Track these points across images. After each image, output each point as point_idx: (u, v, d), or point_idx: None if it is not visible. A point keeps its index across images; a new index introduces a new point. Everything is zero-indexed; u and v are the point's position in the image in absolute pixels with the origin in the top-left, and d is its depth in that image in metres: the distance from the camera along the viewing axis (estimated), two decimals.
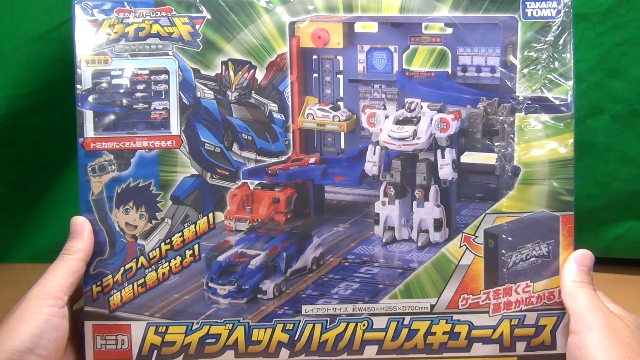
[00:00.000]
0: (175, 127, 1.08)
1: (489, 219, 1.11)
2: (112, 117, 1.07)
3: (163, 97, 1.08)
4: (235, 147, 1.10)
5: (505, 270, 1.10)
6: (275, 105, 1.11)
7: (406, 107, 1.13)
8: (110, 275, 1.08)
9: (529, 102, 1.11)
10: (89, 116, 1.06)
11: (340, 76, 1.20)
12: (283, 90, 1.11)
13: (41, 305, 0.99)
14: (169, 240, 1.09)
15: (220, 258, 1.11)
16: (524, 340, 1.10)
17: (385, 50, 1.17)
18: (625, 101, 1.21)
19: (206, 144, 1.09)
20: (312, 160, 1.14)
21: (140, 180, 1.08)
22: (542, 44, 1.13)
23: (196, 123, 1.08)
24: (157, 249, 1.09)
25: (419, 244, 1.15)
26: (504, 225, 1.11)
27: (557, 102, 1.11)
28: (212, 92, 1.09)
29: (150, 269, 1.09)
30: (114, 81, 1.07)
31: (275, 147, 1.11)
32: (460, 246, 1.11)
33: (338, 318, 1.10)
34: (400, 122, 1.12)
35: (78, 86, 1.08)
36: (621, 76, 1.29)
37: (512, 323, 1.11)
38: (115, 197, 1.07)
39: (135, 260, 1.09)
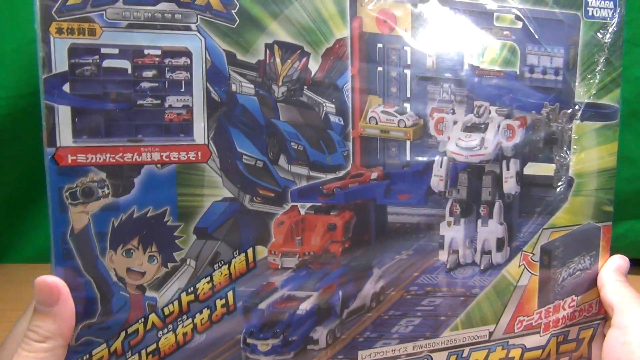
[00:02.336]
0: (200, 132, 0.30)
1: (545, 235, 0.44)
2: (104, 116, 0.28)
3: (183, 89, 0.30)
4: (282, 160, 0.32)
5: (556, 287, 0.45)
6: (333, 105, 0.33)
7: (475, 112, 0.41)
8: (104, 345, 0.32)
9: (587, 108, 0.44)
10: (64, 115, 0.28)
11: (408, 72, 0.41)
12: (342, 86, 0.33)
13: None
14: (192, 288, 0.30)
15: (262, 305, 0.37)
16: (567, 355, 0.47)
17: (455, 44, 0.40)
18: (625, 101, 0.51)
19: (244, 157, 0.32)
20: (374, 175, 0.39)
21: (150, 208, 0.30)
22: (599, 46, 0.44)
23: (231, 128, 0.31)
24: (176, 302, 0.30)
25: (482, 267, 0.43)
26: (557, 240, 0.45)
27: (608, 109, 0.44)
28: (252, 86, 0.31)
29: (165, 330, 0.29)
30: (106, 63, 0.28)
31: (331, 159, 0.33)
32: (519, 266, 0.44)
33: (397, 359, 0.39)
34: (468, 129, 0.41)
35: (44, 69, 0.27)
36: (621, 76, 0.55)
37: (559, 340, 0.46)
38: (110, 234, 0.29)
39: (143, 320, 0.30)
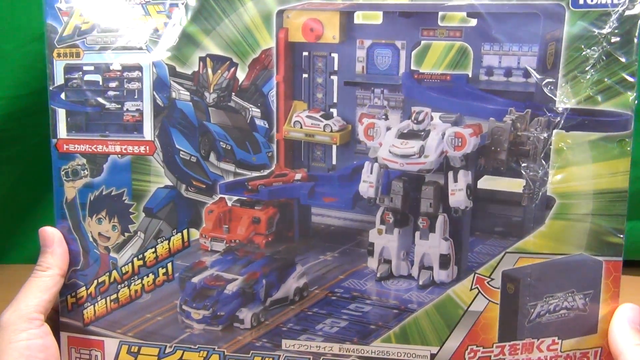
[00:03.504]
0: (148, 131, 0.39)
1: (510, 259, 0.38)
2: (85, 117, 0.39)
3: (136, 97, 0.40)
4: (212, 157, 0.39)
5: (526, 322, 0.38)
6: (258, 110, 0.37)
7: (413, 118, 0.37)
8: (84, 287, 0.46)
9: (573, 115, 0.33)
10: (61, 115, 0.41)
11: (335, 77, 0.42)
12: (267, 92, 0.37)
13: (16, 331, 0.40)
14: (141, 255, 0.40)
15: (195, 280, 0.43)
16: None
17: (390, 46, 0.39)
18: None
19: (181, 152, 0.39)
20: (298, 176, 0.41)
21: (113, 188, 0.41)
22: (595, 39, 0.34)
23: (171, 128, 0.39)
24: (130, 264, 0.43)
25: (420, 283, 0.40)
26: (529, 268, 0.38)
27: (611, 117, 0.34)
28: (188, 93, 0.38)
29: (123, 285, 0.43)
30: (87, 77, 0.40)
31: (256, 159, 0.38)
32: (472, 289, 0.39)
33: (322, 357, 0.41)
34: (404, 135, 0.37)
35: (50, 82, 0.40)
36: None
37: None
38: (88, 205, 0.42)
39: (108, 274, 0.44)
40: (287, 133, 0.40)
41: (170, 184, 0.42)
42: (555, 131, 0.36)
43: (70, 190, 0.44)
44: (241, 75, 0.40)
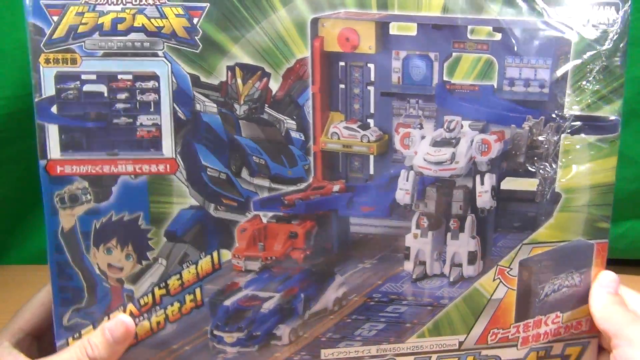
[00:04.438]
0: (168, 147, 0.34)
1: (525, 250, 0.42)
2: (85, 133, 0.32)
3: (152, 109, 0.34)
4: (244, 173, 0.35)
5: (537, 302, 0.44)
6: (293, 122, 0.35)
7: (445, 127, 0.40)
8: (91, 326, 0.38)
9: (577, 121, 0.40)
10: (53, 132, 0.33)
11: (371, 88, 0.42)
12: (303, 104, 0.35)
13: None
14: (164, 284, 0.34)
15: (228, 302, 0.41)
16: None
17: (424, 57, 0.40)
18: (626, 101, 0.44)
19: (209, 169, 0.35)
20: (336, 188, 0.40)
21: (125, 213, 0.35)
22: (595, 54, 0.40)
23: (196, 144, 0.34)
24: (150, 295, 0.36)
25: (451, 279, 0.43)
26: (540, 256, 0.43)
27: (605, 122, 0.41)
28: (215, 105, 0.34)
29: (142, 318, 0.34)
30: (86, 87, 0.34)
31: (292, 172, 0.35)
32: (494, 280, 0.43)
33: None
34: (437, 143, 0.40)
35: (36, 93, 0.32)
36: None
37: (539, 355, 0.45)
38: (93, 234, 0.35)
39: (122, 307, 0.34)
40: (325, 145, 0.39)
41: (197, 204, 0.38)
42: (563, 135, 0.41)
43: (68, 218, 0.37)
44: (274, 85, 0.37)
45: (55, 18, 0.35)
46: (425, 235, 0.41)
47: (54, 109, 0.36)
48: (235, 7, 0.36)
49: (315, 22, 0.37)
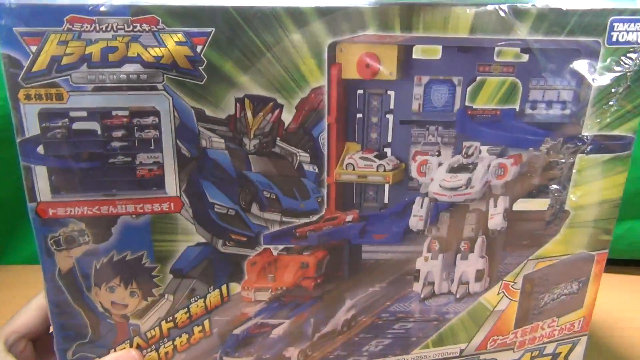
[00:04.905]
0: (172, 186, 0.31)
1: (530, 265, 0.43)
2: (78, 174, 0.28)
3: (153, 147, 0.30)
4: (254, 208, 0.33)
5: (536, 310, 0.45)
6: (307, 154, 0.32)
7: (463, 153, 0.38)
8: (97, 359, 0.32)
9: (594, 141, 0.39)
10: (41, 174, 0.29)
11: (390, 116, 0.38)
12: (317, 135, 0.32)
13: None
14: (171, 317, 0.32)
15: (237, 331, 0.40)
16: None
17: (447, 82, 0.37)
18: None
19: (216, 206, 0.32)
20: (349, 218, 0.39)
21: (128, 252, 0.31)
22: (620, 76, 0.37)
23: (202, 180, 0.31)
24: (157, 328, 0.33)
25: (458, 296, 0.43)
26: (543, 270, 0.43)
27: (620, 140, 0.39)
28: (222, 140, 0.30)
29: (150, 350, 0.33)
30: (76, 125, 0.29)
31: (304, 205, 0.34)
32: (498, 293, 0.43)
33: None
34: (454, 169, 0.38)
35: (18, 133, 0.28)
36: None
37: (533, 355, 0.47)
38: (93, 274, 0.32)
39: (128, 341, 0.33)
40: (339, 176, 0.37)
41: (204, 240, 0.36)
42: (579, 155, 0.40)
43: (65, 260, 0.34)
44: (287, 117, 0.34)
45: (34, 48, 0.30)
46: (436, 258, 0.41)
47: (40, 150, 0.32)
48: (244, 31, 0.31)
49: (333, 47, 0.33)
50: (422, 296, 0.42)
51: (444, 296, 0.43)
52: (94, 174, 0.33)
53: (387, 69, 0.35)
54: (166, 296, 0.37)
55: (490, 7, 0.35)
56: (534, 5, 0.35)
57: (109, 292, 0.36)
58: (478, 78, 0.37)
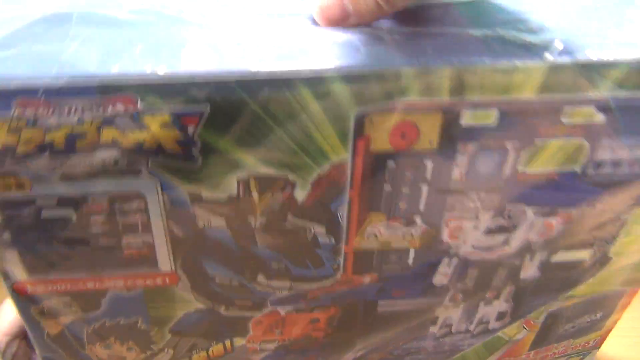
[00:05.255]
0: (166, 263, 0.26)
1: (558, 304, 0.39)
2: (56, 256, 0.24)
3: (140, 230, 0.25)
4: (261, 278, 0.28)
5: (554, 337, 0.42)
6: (323, 227, 0.26)
7: (505, 215, 0.31)
8: None
9: None
10: (12, 257, 0.24)
11: (425, 186, 0.29)
12: (335, 209, 0.25)
13: None
14: None
15: None
16: None
17: (498, 150, 0.26)
18: None
19: (217, 278, 0.27)
20: (366, 280, 0.32)
21: (121, 319, 0.28)
22: None
23: (200, 257, 0.26)
24: None
25: (475, 333, 0.40)
26: (570, 307, 0.39)
27: None
28: (223, 220, 0.25)
29: None
30: (46, 214, 0.23)
31: (318, 272, 0.28)
32: (518, 326, 0.40)
33: None
34: (491, 231, 0.32)
35: None
36: None
37: None
38: (86, 336, 0.28)
39: None
40: (359, 245, 0.31)
41: (204, 307, 0.32)
42: (636, 208, 0.34)
43: (53, 326, 0.31)
44: (301, 193, 0.28)
45: None
46: (457, 307, 0.37)
47: (7, 236, 0.27)
48: (248, 107, 0.24)
49: (362, 119, 0.26)
50: (437, 335, 0.39)
51: (460, 334, 0.40)
52: (74, 255, 0.28)
53: (427, 138, 0.28)
54: (165, 350, 0.35)
55: (567, 61, 0.26)
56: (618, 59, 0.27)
57: (105, 349, 0.34)
58: (537, 141, 0.29)
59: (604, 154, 0.31)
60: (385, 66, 0.25)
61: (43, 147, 0.24)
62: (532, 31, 0.27)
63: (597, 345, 0.46)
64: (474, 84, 0.26)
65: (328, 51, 0.25)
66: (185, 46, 0.24)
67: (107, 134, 0.24)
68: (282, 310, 0.34)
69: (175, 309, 0.32)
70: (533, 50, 0.26)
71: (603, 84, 0.27)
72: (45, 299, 0.30)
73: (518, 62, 0.26)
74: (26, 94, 0.22)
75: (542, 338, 0.43)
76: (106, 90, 0.23)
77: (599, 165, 0.32)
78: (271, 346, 0.36)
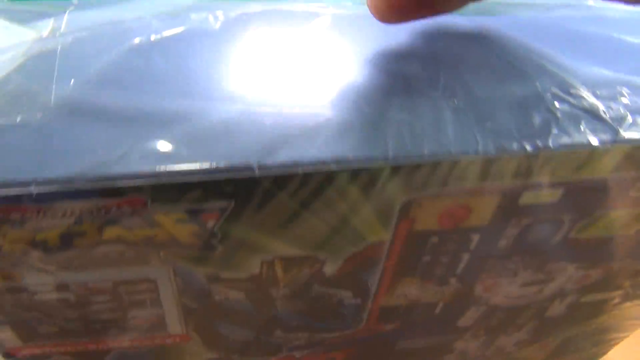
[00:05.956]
0: (177, 328, 0.24)
1: (575, 330, 0.37)
2: (54, 327, 0.22)
3: (149, 305, 0.22)
4: (278, 333, 0.26)
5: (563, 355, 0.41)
6: (350, 292, 0.24)
7: (545, 271, 0.28)
8: None
9: None
10: (4, 330, 0.21)
11: (466, 255, 0.26)
12: (367, 279, 0.23)
13: None
14: None
15: None
16: None
17: (554, 222, 0.23)
18: None
19: (232, 336, 0.25)
20: (389, 327, 0.30)
21: None
22: None
23: (215, 321, 0.24)
24: None
25: (489, 355, 0.38)
26: (588, 331, 0.38)
27: None
28: (243, 294, 0.22)
29: None
30: (39, 297, 0.20)
31: (339, 325, 0.26)
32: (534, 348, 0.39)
33: None
34: (527, 284, 0.30)
35: None
36: None
37: None
38: None
39: None
40: (386, 303, 0.28)
41: (217, 356, 0.29)
42: None
43: None
44: (330, 267, 0.24)
45: None
46: (477, 341, 0.35)
47: None
48: (277, 198, 0.20)
49: (408, 205, 0.22)
50: None
51: (476, 359, 0.39)
52: (75, 327, 0.25)
53: (478, 217, 0.24)
54: None
55: None
56: None
57: None
58: (597, 212, 0.26)
59: None
60: (441, 154, 0.20)
61: (35, 244, 0.20)
62: (604, 98, 0.23)
63: (602, 353, 0.46)
64: (543, 166, 0.22)
65: (373, 131, 0.20)
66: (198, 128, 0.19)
67: (111, 232, 0.20)
68: (298, 354, 0.32)
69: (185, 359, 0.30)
70: (606, 123, 0.22)
71: None
72: (43, 358, 0.27)
73: (596, 142, 0.22)
74: (9, 201, 0.18)
75: (553, 356, 0.42)
76: (111, 194, 0.18)
77: None
78: None
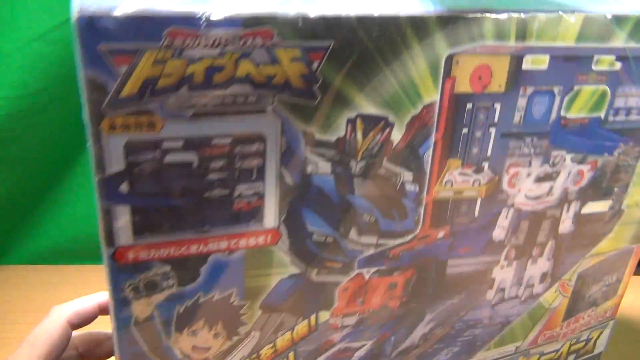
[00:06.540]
0: (271, 218, 0.26)
1: (585, 262, 0.43)
2: (167, 213, 0.23)
3: (254, 177, 0.25)
4: (353, 233, 0.29)
5: (582, 303, 0.46)
6: (411, 173, 0.28)
7: (550, 162, 0.36)
8: None
9: None
10: (122, 215, 0.23)
11: (493, 130, 0.34)
12: (423, 154, 0.27)
13: None
14: (255, 354, 0.29)
15: (321, 358, 0.31)
16: (575, 353, 0.49)
17: (548, 93, 0.34)
18: None
19: (314, 234, 0.27)
20: (440, 235, 0.34)
21: (216, 292, 0.26)
22: None
23: (303, 209, 0.26)
24: None
25: (522, 299, 0.42)
26: (594, 266, 0.44)
27: None
28: (329, 164, 0.26)
29: None
30: (169, 158, 0.22)
31: (401, 225, 0.29)
32: (555, 291, 0.43)
33: None
34: (540, 179, 0.37)
35: (98, 169, 0.22)
36: None
37: (571, 343, 0.48)
38: (175, 319, 0.26)
39: None
40: (437, 194, 0.33)
41: (298, 271, 0.31)
42: None
43: (143, 307, 0.29)
44: (396, 135, 0.30)
45: (124, 69, 0.23)
46: (511, 265, 0.40)
47: (123, 188, 0.26)
48: (363, 45, 0.27)
49: (450, 59, 0.29)
50: (492, 303, 0.41)
51: (511, 300, 0.42)
52: (185, 212, 0.27)
53: (497, 82, 0.32)
54: (252, 333, 0.33)
55: (596, 14, 0.32)
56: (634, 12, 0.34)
57: (191, 336, 0.31)
58: (575, 87, 0.35)
59: (620, 102, 0.37)
60: (470, 12, 0.29)
61: (183, 81, 0.24)
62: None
63: (613, 314, 0.49)
64: (533, 30, 0.31)
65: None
66: None
67: (243, 67, 0.25)
68: (367, 274, 0.34)
69: (271, 275, 0.31)
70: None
71: (621, 33, 0.34)
72: (144, 270, 0.28)
73: (563, 14, 0.31)
74: (179, 22, 0.23)
75: (573, 305, 0.45)
76: (250, 23, 0.24)
77: (616, 112, 0.37)
78: (351, 321, 0.35)
